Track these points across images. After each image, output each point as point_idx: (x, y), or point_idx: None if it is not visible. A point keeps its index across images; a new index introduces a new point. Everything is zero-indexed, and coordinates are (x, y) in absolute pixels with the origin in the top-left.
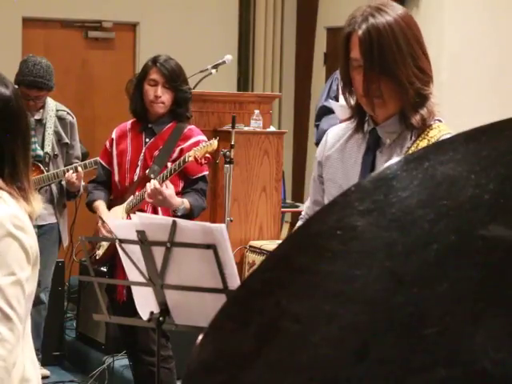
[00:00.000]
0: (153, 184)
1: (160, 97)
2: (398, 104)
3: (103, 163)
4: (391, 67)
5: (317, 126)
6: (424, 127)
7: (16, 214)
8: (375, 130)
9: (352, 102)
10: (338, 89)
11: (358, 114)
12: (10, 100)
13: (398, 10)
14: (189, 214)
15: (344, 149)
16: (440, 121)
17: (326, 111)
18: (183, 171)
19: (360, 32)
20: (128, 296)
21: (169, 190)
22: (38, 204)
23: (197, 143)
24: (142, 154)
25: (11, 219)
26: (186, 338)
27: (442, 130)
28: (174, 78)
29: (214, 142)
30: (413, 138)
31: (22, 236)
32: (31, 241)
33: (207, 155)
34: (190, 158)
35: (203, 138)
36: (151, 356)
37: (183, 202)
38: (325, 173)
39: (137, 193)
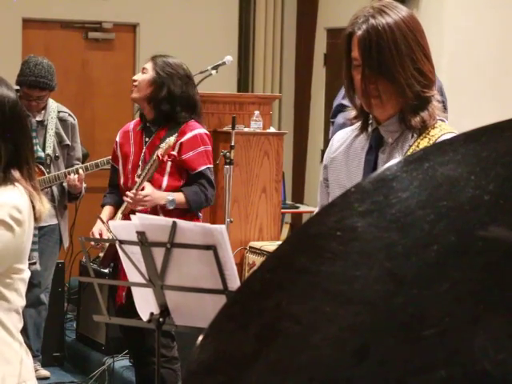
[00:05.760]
0: (130, 194)
1: (136, 80)
2: (397, 104)
3: (114, 165)
4: (389, 69)
5: (332, 123)
6: (425, 128)
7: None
8: (378, 129)
9: (357, 101)
10: None
11: (362, 113)
12: (18, 103)
13: (401, 11)
14: (186, 207)
15: (349, 150)
16: (443, 121)
17: (342, 109)
18: (183, 167)
19: (359, 33)
20: (128, 298)
21: (146, 190)
22: (47, 204)
23: (195, 137)
24: (143, 155)
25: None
26: (189, 339)
27: (443, 128)
28: (163, 66)
29: (171, 139)
30: (414, 136)
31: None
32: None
33: (173, 153)
34: (155, 157)
35: (201, 130)
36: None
37: (169, 195)
38: (330, 175)
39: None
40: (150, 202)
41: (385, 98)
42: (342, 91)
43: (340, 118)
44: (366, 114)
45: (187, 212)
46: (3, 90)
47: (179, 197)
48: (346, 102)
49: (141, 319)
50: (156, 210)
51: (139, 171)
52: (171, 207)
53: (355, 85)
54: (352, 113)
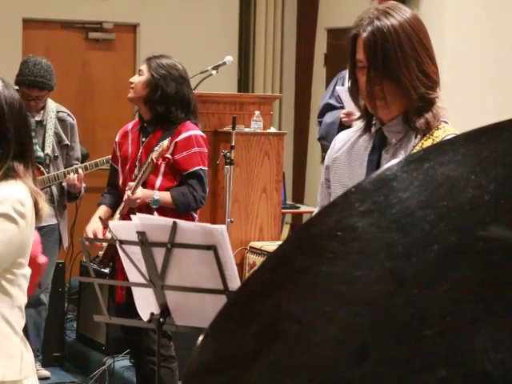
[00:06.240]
0: (126, 196)
1: (132, 82)
2: (402, 106)
3: (114, 165)
4: (394, 71)
5: (320, 123)
6: (429, 129)
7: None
8: (381, 129)
9: (360, 101)
10: None
11: (366, 114)
12: (23, 104)
13: (406, 12)
14: (174, 207)
15: (351, 150)
16: (446, 122)
17: (329, 108)
18: (177, 168)
19: (365, 35)
20: (128, 297)
21: (137, 193)
22: (46, 205)
23: (189, 138)
24: (139, 155)
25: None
26: (188, 339)
27: (447, 130)
28: (157, 68)
29: (165, 143)
30: (418, 137)
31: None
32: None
33: (167, 155)
34: (149, 160)
35: (196, 132)
36: (153, 355)
37: (155, 194)
38: (332, 175)
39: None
40: (139, 203)
41: (390, 99)
42: (329, 91)
43: (328, 118)
44: (369, 115)
45: (180, 212)
46: (12, 92)
47: (165, 196)
48: (332, 101)
49: (141, 319)
50: (150, 210)
51: (136, 171)
52: (154, 206)
53: (360, 86)
54: (342, 111)
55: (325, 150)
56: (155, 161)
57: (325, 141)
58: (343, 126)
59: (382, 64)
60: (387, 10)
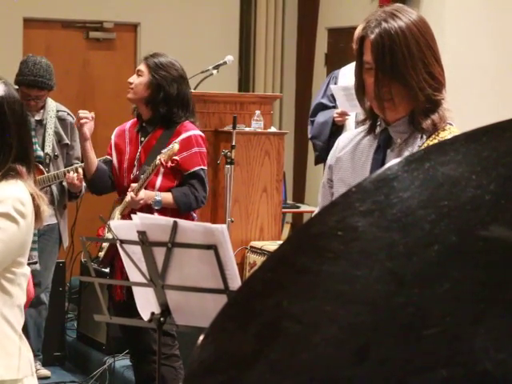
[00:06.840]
0: (129, 197)
1: (131, 83)
2: (409, 107)
3: (108, 157)
4: (402, 72)
5: (312, 122)
6: (435, 130)
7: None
8: (387, 129)
9: (366, 103)
10: None
11: (371, 115)
12: (23, 104)
13: (412, 15)
14: (175, 208)
15: (355, 150)
16: (451, 124)
17: (321, 107)
18: (177, 168)
19: (372, 37)
20: (127, 296)
21: (140, 194)
22: (47, 207)
23: (189, 138)
24: (138, 154)
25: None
26: (190, 338)
27: (452, 131)
28: (156, 68)
29: (175, 146)
30: (424, 138)
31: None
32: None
33: (175, 157)
34: (157, 162)
35: (195, 132)
36: (155, 354)
37: (157, 195)
38: (335, 174)
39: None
40: (142, 204)
41: (397, 100)
42: (322, 90)
43: (320, 117)
44: (374, 116)
45: (180, 212)
46: (13, 93)
47: (167, 197)
48: (325, 100)
49: (141, 318)
50: (151, 209)
51: (135, 171)
52: (157, 207)
53: (366, 88)
54: (336, 111)
55: (317, 149)
56: (164, 164)
57: (317, 140)
58: (336, 125)
59: (389, 66)
60: (394, 13)
